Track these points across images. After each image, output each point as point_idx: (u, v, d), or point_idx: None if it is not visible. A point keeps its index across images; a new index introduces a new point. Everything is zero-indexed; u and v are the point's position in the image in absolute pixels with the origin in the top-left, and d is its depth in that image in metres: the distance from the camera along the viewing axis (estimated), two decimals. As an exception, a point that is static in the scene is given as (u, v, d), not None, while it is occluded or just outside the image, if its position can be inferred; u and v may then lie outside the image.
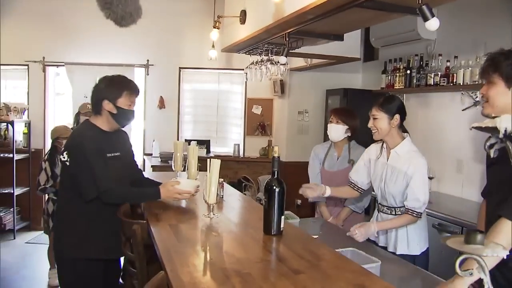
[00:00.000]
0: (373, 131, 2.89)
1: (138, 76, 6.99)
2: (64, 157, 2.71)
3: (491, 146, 1.09)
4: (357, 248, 2.42)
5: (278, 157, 2.27)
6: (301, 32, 3.42)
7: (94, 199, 2.65)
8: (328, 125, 3.73)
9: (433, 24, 2.14)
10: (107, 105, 2.77)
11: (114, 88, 2.79)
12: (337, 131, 3.66)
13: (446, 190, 4.70)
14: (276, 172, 2.25)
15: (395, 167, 2.83)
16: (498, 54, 2.04)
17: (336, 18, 2.87)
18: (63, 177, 2.87)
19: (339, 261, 1.93)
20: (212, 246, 2.15)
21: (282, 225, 2.23)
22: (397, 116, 2.82)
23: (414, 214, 2.75)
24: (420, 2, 2.14)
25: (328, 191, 3.11)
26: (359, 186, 3.15)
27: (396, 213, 2.88)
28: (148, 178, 3.28)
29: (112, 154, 2.83)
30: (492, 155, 1.11)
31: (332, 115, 3.71)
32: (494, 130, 1.07)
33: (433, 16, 2.14)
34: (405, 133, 2.92)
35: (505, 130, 1.06)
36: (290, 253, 1.98)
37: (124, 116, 2.83)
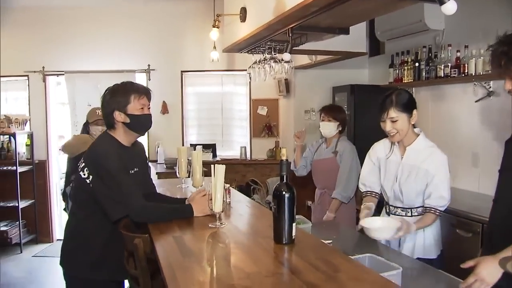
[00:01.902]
0: (391, 134, 2.67)
1: (139, 82, 6.81)
2: (84, 174, 2.51)
3: None
4: (374, 254, 2.28)
5: (287, 160, 2.11)
6: (304, 27, 3.27)
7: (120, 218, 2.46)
8: (321, 123, 4.03)
9: (450, 7, 1.97)
10: (118, 116, 2.55)
11: (120, 95, 2.57)
12: (330, 128, 4.00)
13: (461, 186, 4.52)
14: (285, 176, 2.10)
15: (413, 165, 2.65)
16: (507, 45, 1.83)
17: (341, 9, 2.72)
18: (79, 194, 2.65)
19: (358, 271, 1.77)
20: (219, 259, 2.00)
21: (293, 233, 2.08)
22: (415, 112, 2.66)
23: (437, 212, 2.61)
24: (434, -16, 1.98)
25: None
26: (372, 190, 2.93)
27: (413, 214, 2.71)
28: (161, 194, 3.05)
29: (133, 171, 2.64)
30: None
31: (323, 113, 4.03)
32: None
33: (449, -2, 1.97)
34: (417, 129, 2.75)
35: None
36: (304, 264, 1.82)
37: (139, 122, 2.61)
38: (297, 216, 3.01)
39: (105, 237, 2.56)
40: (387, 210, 2.86)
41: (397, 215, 2.76)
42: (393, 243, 2.80)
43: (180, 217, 2.54)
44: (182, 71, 7.11)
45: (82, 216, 2.61)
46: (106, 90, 2.62)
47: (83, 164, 2.54)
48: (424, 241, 2.70)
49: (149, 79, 7.00)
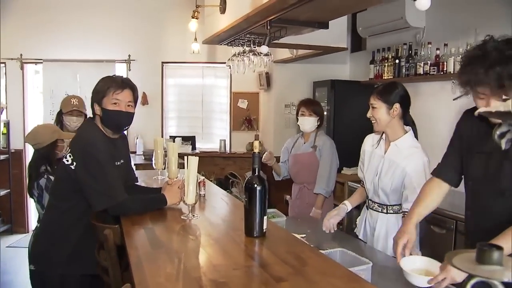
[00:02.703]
0: (372, 122, 2.69)
1: (119, 72, 6.75)
2: (68, 161, 2.39)
3: (502, 135, 0.90)
4: (345, 248, 2.28)
5: (259, 153, 2.09)
6: (283, 20, 3.25)
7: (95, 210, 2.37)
8: (300, 117, 3.89)
9: (423, 2, 1.96)
10: (97, 110, 2.48)
11: (97, 87, 2.47)
12: (310, 123, 3.89)
13: (438, 182, 4.55)
14: (256, 169, 2.08)
15: (394, 161, 2.64)
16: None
17: (320, 2, 2.71)
18: (59, 185, 2.52)
19: (326, 265, 1.76)
20: (189, 251, 1.97)
21: (265, 226, 2.06)
22: (396, 106, 2.61)
23: None
24: (408, -22, 1.97)
25: (349, 206, 2.93)
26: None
27: (388, 211, 2.70)
28: (139, 185, 2.99)
29: (119, 162, 2.58)
30: (503, 147, 0.94)
31: (303, 107, 3.88)
32: (506, 116, 0.89)
33: (423, -6, 1.96)
34: (408, 127, 2.72)
35: (523, 115, 0.88)
36: (273, 257, 1.81)
37: (109, 118, 2.48)
38: (271, 210, 3.03)
39: (82, 230, 2.47)
40: (367, 205, 2.87)
41: (374, 210, 2.77)
42: (369, 240, 2.80)
43: (156, 208, 2.52)
44: (162, 62, 7.05)
45: (64, 208, 2.48)
46: None
47: (68, 150, 2.45)
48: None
49: (129, 70, 6.92)
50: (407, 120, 2.72)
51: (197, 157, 2.44)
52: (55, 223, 2.52)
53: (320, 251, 2.11)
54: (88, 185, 2.35)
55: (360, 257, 2.12)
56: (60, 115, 3.88)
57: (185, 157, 2.43)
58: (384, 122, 2.64)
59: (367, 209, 2.85)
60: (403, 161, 2.60)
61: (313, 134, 3.97)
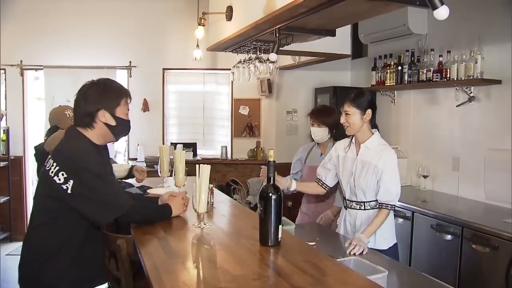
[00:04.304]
0: (345, 127, 2.89)
1: (120, 78, 6.76)
2: (60, 179, 2.17)
3: None
4: (359, 257, 2.28)
5: (274, 161, 2.10)
6: (291, 27, 3.25)
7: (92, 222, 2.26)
8: (311, 128, 3.69)
9: (442, 12, 1.96)
10: (102, 117, 2.30)
11: (111, 95, 2.34)
12: (320, 133, 3.64)
13: (441, 189, 4.58)
14: (272, 178, 2.08)
15: (366, 161, 2.84)
16: None
17: (329, 11, 2.70)
18: (49, 202, 2.26)
19: (345, 274, 1.76)
20: (205, 261, 1.97)
21: (279, 235, 2.06)
22: (369, 111, 2.83)
23: (389, 207, 2.78)
24: (428, -12, 1.97)
25: (293, 185, 3.16)
26: (323, 181, 3.14)
27: (366, 207, 2.89)
28: (130, 192, 2.95)
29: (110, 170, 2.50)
30: None
31: (312, 118, 3.68)
32: None
33: (442, 4, 1.97)
34: (374, 129, 2.93)
35: None
36: (291, 266, 1.80)
37: (123, 127, 2.41)
38: (280, 218, 3.02)
39: (77, 247, 2.31)
40: (345, 204, 3.02)
41: (353, 208, 2.94)
42: (350, 236, 2.89)
43: (161, 217, 2.49)
44: (164, 69, 7.04)
45: (55, 227, 2.27)
46: (87, 85, 2.35)
47: (56, 168, 2.19)
48: (375, 233, 2.81)
49: (130, 76, 6.90)
50: (373, 123, 2.93)
51: (209, 166, 2.43)
52: (46, 243, 2.30)
53: (336, 260, 2.11)
54: (91, 200, 2.19)
55: (375, 266, 2.11)
56: (54, 131, 3.69)
57: (197, 165, 2.42)
58: (357, 127, 2.85)
59: (346, 209, 3.01)
60: (374, 159, 2.81)
61: (330, 145, 3.66)
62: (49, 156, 2.29)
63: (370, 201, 2.87)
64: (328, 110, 3.75)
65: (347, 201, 2.98)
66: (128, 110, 2.44)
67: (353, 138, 2.96)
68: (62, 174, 2.17)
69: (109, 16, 6.82)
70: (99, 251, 2.38)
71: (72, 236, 2.30)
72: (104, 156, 2.45)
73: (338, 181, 3.09)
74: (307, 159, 3.81)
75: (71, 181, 2.16)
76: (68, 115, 3.77)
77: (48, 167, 2.23)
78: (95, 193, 2.19)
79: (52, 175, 2.19)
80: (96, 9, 6.78)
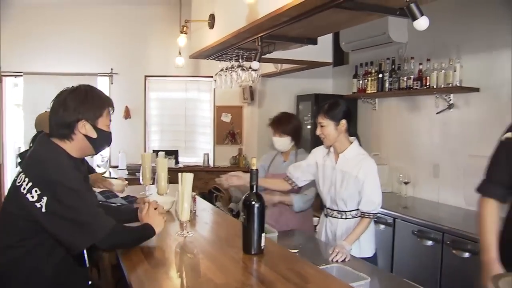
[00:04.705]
0: (322, 138, 2.88)
1: (101, 86, 6.73)
2: (33, 197, 1.87)
3: None
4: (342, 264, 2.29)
5: (257, 169, 2.10)
6: (273, 36, 3.27)
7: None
8: (273, 138, 3.62)
9: (422, 23, 2.00)
10: (82, 128, 2.03)
11: (93, 104, 2.08)
12: (282, 142, 3.58)
13: (422, 195, 4.62)
14: (254, 186, 2.09)
15: (345, 171, 2.83)
16: None
17: (311, 20, 2.74)
18: (20, 222, 1.93)
19: (328, 281, 1.77)
20: (188, 270, 1.96)
21: (263, 243, 2.06)
22: (343, 122, 2.81)
23: (371, 216, 2.78)
24: (408, 0, 2.01)
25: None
26: (294, 180, 3.12)
27: (347, 216, 2.88)
28: (103, 203, 2.67)
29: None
30: None
31: (273, 129, 3.60)
32: None
33: (422, 14, 2.00)
34: (352, 137, 2.92)
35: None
36: (274, 274, 1.81)
37: (105, 140, 2.15)
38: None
39: (50, 277, 1.98)
40: (325, 213, 3.02)
41: (334, 217, 2.93)
42: (331, 243, 2.91)
43: (146, 239, 2.19)
44: (145, 76, 7.04)
45: (23, 251, 1.94)
46: (66, 92, 2.07)
47: (29, 184, 1.89)
48: (360, 242, 2.82)
49: (112, 83, 6.88)
50: (351, 131, 2.92)
51: (192, 174, 2.43)
52: (13, 267, 1.95)
53: (319, 267, 2.12)
54: (67, 220, 1.88)
55: (358, 273, 2.12)
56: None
57: (180, 173, 2.42)
58: (333, 138, 2.84)
59: (326, 217, 3.01)
60: (354, 169, 2.79)
61: (292, 153, 3.66)
62: (20, 170, 2.02)
63: (351, 210, 2.86)
64: (287, 118, 3.66)
65: (328, 210, 2.99)
66: (110, 121, 2.20)
67: (331, 147, 2.95)
68: (36, 191, 1.88)
69: (91, 22, 6.80)
70: (76, 285, 2.12)
71: (44, 265, 1.97)
72: (82, 171, 2.16)
73: (316, 189, 3.10)
74: (270, 167, 3.77)
75: (45, 198, 1.87)
76: None
77: (19, 182, 1.93)
78: (72, 212, 1.89)
79: (25, 192, 1.89)
80: (78, 16, 6.75)
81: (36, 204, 1.86)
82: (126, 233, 2.11)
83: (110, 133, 2.19)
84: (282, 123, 3.58)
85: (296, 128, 3.61)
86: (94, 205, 2.04)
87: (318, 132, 2.87)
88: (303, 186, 3.26)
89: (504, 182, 2.11)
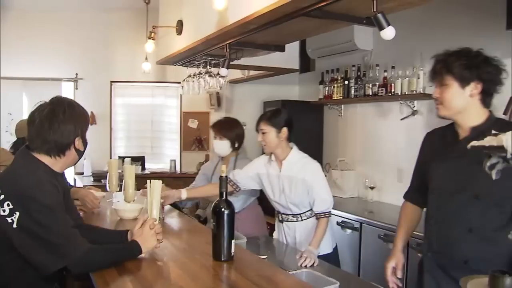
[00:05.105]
0: (263, 145, 2.93)
1: (66, 91, 6.63)
2: (4, 211, 1.80)
3: (492, 166, 0.98)
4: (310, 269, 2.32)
5: (226, 176, 2.12)
6: (241, 43, 3.30)
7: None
8: (213, 141, 3.65)
9: (388, 33, 2.07)
10: (77, 143, 2.01)
11: (85, 119, 2.06)
12: (222, 147, 3.57)
13: (387, 200, 4.70)
14: (224, 193, 2.10)
15: (291, 176, 2.89)
16: (447, 55, 2.04)
17: (279, 28, 2.77)
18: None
19: (299, 287, 1.79)
20: (158, 277, 1.94)
21: (232, 250, 2.07)
22: (284, 129, 2.88)
23: (327, 215, 2.86)
24: (375, 10, 2.06)
25: (184, 194, 3.22)
26: (235, 181, 3.14)
27: (303, 218, 2.96)
28: (91, 225, 2.46)
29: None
30: (494, 177, 1.01)
31: (214, 131, 3.62)
32: (498, 150, 0.97)
33: (389, 24, 2.06)
34: (291, 143, 2.99)
35: (513, 149, 0.96)
36: (245, 281, 1.82)
37: (84, 152, 2.11)
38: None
39: (27, 286, 1.93)
40: (280, 219, 3.08)
41: (290, 221, 3.00)
42: (291, 241, 3.01)
43: (129, 258, 2.06)
44: (111, 81, 6.95)
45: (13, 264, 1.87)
46: (56, 110, 1.94)
47: (1, 196, 1.83)
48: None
49: (77, 88, 6.77)
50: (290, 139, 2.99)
51: (161, 181, 2.42)
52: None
53: (289, 273, 2.14)
54: (38, 239, 1.80)
55: (327, 277, 2.15)
56: (22, 143, 3.53)
57: (148, 180, 2.40)
58: (274, 145, 2.90)
59: (282, 223, 3.06)
60: (299, 173, 2.87)
61: (232, 159, 3.61)
62: None
63: (305, 212, 2.94)
64: (230, 123, 3.66)
65: (282, 215, 3.04)
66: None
67: (272, 155, 3.00)
68: (8, 205, 1.80)
69: (55, 26, 6.68)
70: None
71: (16, 282, 1.90)
72: (62, 185, 2.05)
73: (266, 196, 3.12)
74: (213, 176, 3.73)
75: (17, 213, 1.79)
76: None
77: None
78: (43, 230, 1.80)
79: None
80: (41, 18, 6.61)
81: (7, 218, 1.79)
82: (103, 256, 1.97)
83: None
84: (224, 127, 3.59)
85: (238, 135, 3.60)
86: (69, 225, 1.91)
87: (259, 138, 2.93)
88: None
89: (414, 185, 2.39)
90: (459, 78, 1.97)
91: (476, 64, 1.96)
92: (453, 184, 2.04)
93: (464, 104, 1.99)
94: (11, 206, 1.80)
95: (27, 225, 1.79)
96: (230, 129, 3.57)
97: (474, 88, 1.96)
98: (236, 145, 3.59)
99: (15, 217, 1.79)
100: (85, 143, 2.07)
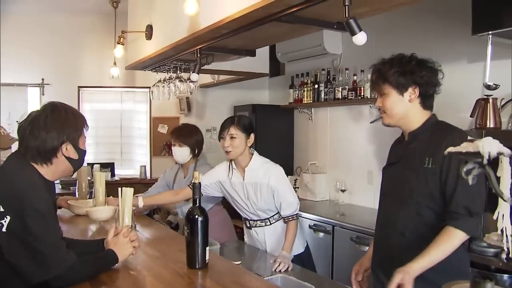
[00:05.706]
0: (228, 150, 2.86)
1: (32, 97, 6.49)
2: None
3: (469, 172, 1.00)
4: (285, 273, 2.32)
5: (199, 183, 2.10)
6: (212, 48, 3.29)
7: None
8: (173, 148, 3.61)
9: (360, 38, 2.10)
10: (66, 151, 1.95)
11: (75, 124, 1.99)
12: (182, 153, 3.55)
13: (358, 202, 4.75)
14: (197, 200, 2.08)
15: (256, 182, 2.88)
16: (381, 65, 2.15)
17: (250, 33, 2.77)
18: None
19: (274, 293, 1.79)
20: (133, 287, 1.91)
21: (207, 257, 2.06)
22: (252, 135, 2.91)
23: (295, 218, 2.87)
24: (347, 16, 2.08)
25: (140, 202, 3.07)
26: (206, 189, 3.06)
27: (271, 222, 2.96)
28: (71, 238, 2.28)
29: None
30: (470, 182, 1.03)
31: (173, 138, 3.60)
32: (475, 155, 0.99)
33: (360, 30, 2.08)
34: (251, 149, 2.98)
35: (489, 155, 0.98)
36: (220, 288, 1.80)
37: (82, 159, 2.07)
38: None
39: None
40: (248, 225, 3.07)
41: (258, 227, 3.00)
42: (261, 247, 3.01)
43: (108, 268, 2.05)
44: (79, 87, 6.83)
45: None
46: (42, 114, 1.93)
47: None
48: None
49: (43, 94, 6.63)
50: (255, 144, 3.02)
51: (132, 188, 2.39)
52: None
53: (264, 278, 2.13)
54: (26, 246, 1.75)
55: (303, 282, 2.16)
56: None
57: (120, 188, 2.37)
58: (240, 150, 2.87)
59: (250, 229, 3.05)
60: (264, 179, 2.86)
61: (191, 166, 3.60)
62: None
63: (273, 215, 2.94)
64: (189, 129, 3.68)
65: (250, 222, 3.03)
66: (85, 138, 2.09)
67: (232, 162, 2.96)
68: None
69: (20, 29, 6.52)
70: None
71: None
72: (52, 195, 2.03)
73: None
74: (175, 184, 3.71)
75: (8, 217, 1.75)
76: (2, 133, 3.56)
77: None
78: (33, 238, 1.75)
79: None
80: (4, 23, 6.43)
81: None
82: (84, 270, 1.92)
83: (85, 151, 2.09)
84: (183, 133, 3.59)
85: (197, 141, 3.61)
86: (59, 236, 1.89)
87: (227, 144, 2.84)
88: None
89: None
90: (395, 85, 2.03)
91: (410, 69, 2.02)
92: (391, 189, 2.14)
93: (405, 110, 2.05)
94: (1, 210, 1.76)
95: (17, 230, 1.75)
96: (190, 135, 3.56)
97: (412, 93, 2.03)
98: (196, 151, 3.59)
99: (5, 221, 1.75)
100: (79, 151, 2.01)
